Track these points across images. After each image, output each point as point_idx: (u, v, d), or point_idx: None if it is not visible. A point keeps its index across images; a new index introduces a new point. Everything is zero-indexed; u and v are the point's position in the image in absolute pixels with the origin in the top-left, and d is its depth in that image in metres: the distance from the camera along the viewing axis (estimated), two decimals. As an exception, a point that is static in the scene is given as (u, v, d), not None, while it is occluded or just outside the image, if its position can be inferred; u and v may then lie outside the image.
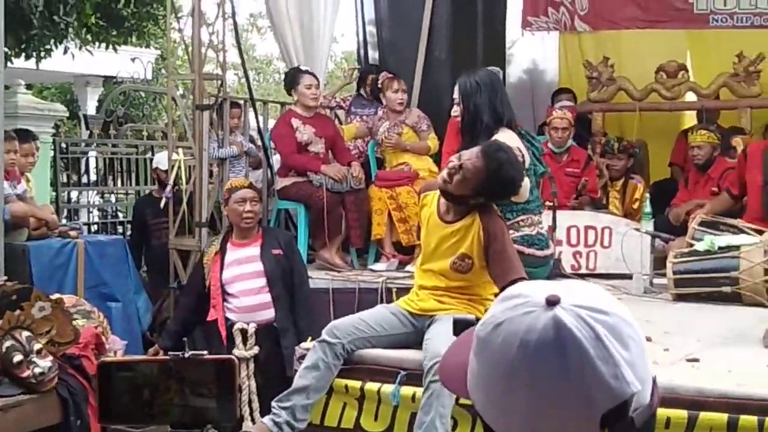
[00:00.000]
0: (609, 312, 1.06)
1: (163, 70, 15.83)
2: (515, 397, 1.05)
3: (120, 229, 10.31)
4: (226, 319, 5.28)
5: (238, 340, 5.22)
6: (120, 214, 10.87)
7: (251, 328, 5.22)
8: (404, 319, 4.16)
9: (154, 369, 1.52)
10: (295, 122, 6.96)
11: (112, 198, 11.15)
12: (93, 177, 10.37)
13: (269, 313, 5.29)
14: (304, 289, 5.53)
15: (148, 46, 13.75)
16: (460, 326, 1.66)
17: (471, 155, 3.92)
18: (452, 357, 1.28)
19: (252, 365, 5.23)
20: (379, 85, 7.43)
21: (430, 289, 4.13)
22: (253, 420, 5.05)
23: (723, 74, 8.12)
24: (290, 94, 7.27)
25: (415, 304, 4.18)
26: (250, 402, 5.19)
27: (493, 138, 4.48)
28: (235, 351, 5.14)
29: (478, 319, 1.31)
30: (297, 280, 5.47)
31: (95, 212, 10.98)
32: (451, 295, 4.01)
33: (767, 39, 8.18)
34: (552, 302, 1.04)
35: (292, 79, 7.19)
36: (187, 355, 1.50)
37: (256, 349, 5.23)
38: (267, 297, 5.31)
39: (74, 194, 10.23)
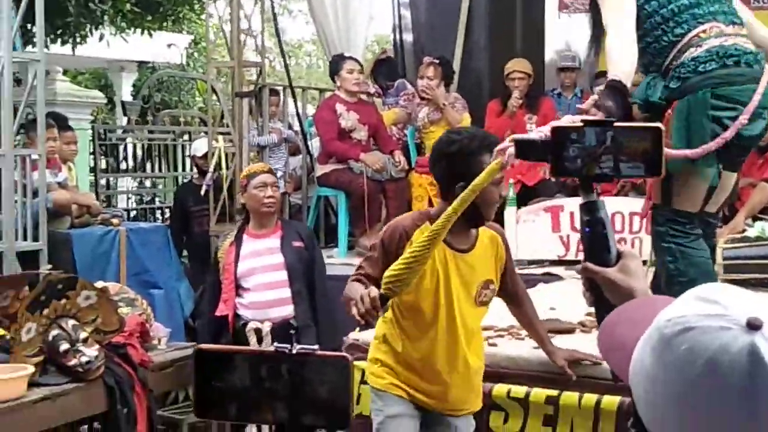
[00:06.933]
0: None
1: (196, 55, 15.85)
2: (683, 413, 0.97)
3: (158, 214, 10.33)
4: (238, 317, 4.92)
5: (253, 340, 4.79)
6: (157, 200, 10.90)
7: (266, 327, 4.82)
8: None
9: (255, 362, 1.38)
10: (340, 108, 6.89)
11: (147, 183, 11.18)
12: (131, 163, 10.39)
13: (286, 310, 4.92)
14: (324, 286, 5.13)
15: (181, 32, 13.75)
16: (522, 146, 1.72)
17: None
18: (620, 327, 1.18)
19: None
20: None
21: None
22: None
23: None
24: (334, 81, 7.20)
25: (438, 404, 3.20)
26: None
27: None
28: None
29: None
30: (318, 276, 5.13)
31: (132, 198, 11.02)
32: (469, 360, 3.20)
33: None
34: (753, 326, 0.93)
35: (335, 65, 7.13)
36: (294, 350, 1.35)
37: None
38: (286, 292, 4.93)
39: (111, 180, 10.28)
